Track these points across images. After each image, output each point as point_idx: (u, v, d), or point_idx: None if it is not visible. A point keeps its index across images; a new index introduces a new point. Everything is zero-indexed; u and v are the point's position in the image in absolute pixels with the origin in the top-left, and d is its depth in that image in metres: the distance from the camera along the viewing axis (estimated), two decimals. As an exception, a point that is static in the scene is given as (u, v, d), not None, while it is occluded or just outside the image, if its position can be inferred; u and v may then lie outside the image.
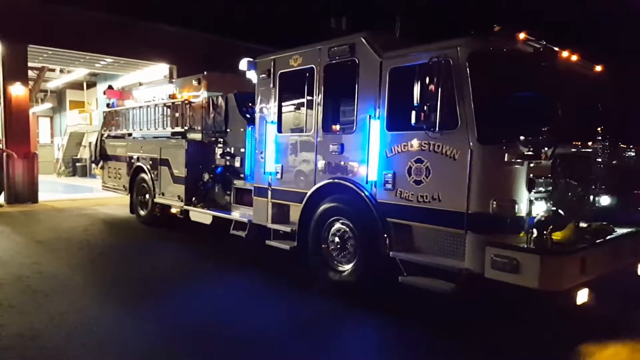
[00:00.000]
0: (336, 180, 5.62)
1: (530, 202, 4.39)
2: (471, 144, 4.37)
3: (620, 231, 5.08)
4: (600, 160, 4.91)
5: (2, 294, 5.27)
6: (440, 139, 4.60)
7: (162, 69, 16.30)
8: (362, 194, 5.30)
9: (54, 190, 16.45)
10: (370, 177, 5.26)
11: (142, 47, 14.51)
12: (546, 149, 4.36)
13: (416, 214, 4.86)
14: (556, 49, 4.50)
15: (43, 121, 33.65)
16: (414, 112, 4.57)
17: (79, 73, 21.23)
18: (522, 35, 4.36)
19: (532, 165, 4.34)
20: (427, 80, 4.48)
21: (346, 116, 5.68)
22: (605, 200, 5.45)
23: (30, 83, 24.93)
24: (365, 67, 5.31)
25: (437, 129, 4.53)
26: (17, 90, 12.97)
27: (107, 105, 11.66)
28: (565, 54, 4.92)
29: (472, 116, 4.36)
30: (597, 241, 4.52)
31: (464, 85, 4.41)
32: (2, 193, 12.63)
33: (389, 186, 5.08)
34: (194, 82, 8.77)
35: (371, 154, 5.24)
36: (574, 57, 5.11)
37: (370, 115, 5.23)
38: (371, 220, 5.22)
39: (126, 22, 13.82)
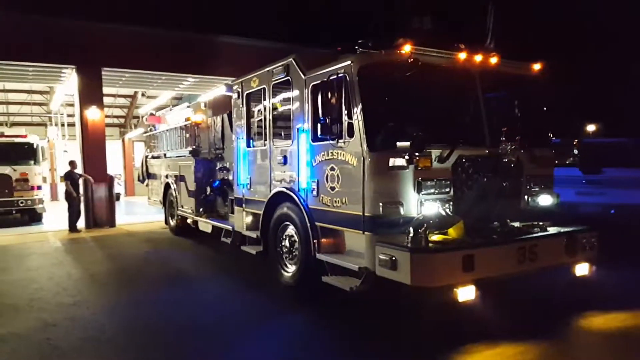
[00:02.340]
0: (281, 189, 6.27)
1: (421, 203, 4.71)
2: (363, 151, 4.81)
3: (551, 231, 5.15)
4: (505, 161, 5.00)
5: (9, 349, 4.55)
6: (344, 148, 5.08)
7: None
8: (298, 201, 5.89)
9: (140, 212, 16.33)
10: (302, 184, 5.86)
11: (216, 62, 13.74)
12: (439, 153, 4.68)
13: (333, 218, 5.36)
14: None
15: (138, 145, 38.11)
16: (319, 124, 5.13)
17: (164, 97, 21.52)
18: (407, 47, 4.69)
19: (419, 169, 4.67)
20: (329, 94, 5.01)
21: (288, 130, 6.33)
22: (539, 200, 5.53)
23: (125, 110, 28.62)
24: (296, 84, 5.95)
25: (339, 139, 5.03)
26: (93, 114, 13.00)
27: (150, 129, 13.39)
28: (462, 56, 5.10)
29: (362, 126, 4.80)
30: (494, 240, 4.67)
31: (356, 98, 4.87)
32: (79, 218, 12.58)
33: (315, 193, 5.63)
34: (202, 106, 9.94)
35: (301, 164, 5.84)
36: (477, 58, 5.25)
37: (298, 128, 5.84)
38: (305, 225, 5.78)
39: (198, 38, 13.65)
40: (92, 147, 13.20)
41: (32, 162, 14.03)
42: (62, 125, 22.99)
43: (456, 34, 5.51)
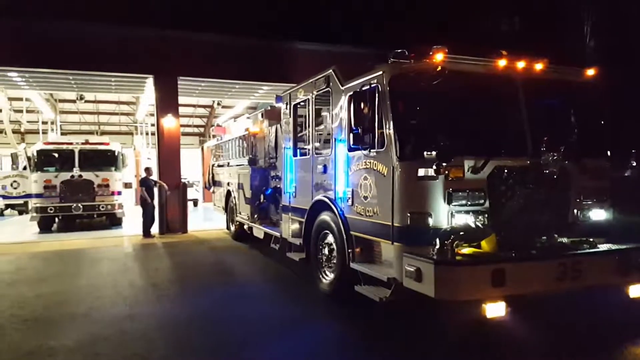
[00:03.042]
0: (321, 198, 6.40)
1: (452, 214, 4.60)
2: (393, 161, 4.80)
3: (602, 248, 4.81)
4: (547, 172, 4.72)
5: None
6: (376, 158, 5.10)
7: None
8: (335, 210, 5.99)
9: (214, 218, 15.49)
10: (339, 193, 5.94)
11: (291, 70, 12.89)
12: (470, 162, 4.56)
13: (366, 227, 5.38)
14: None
15: (214, 154, 40.34)
16: (351, 134, 5.21)
17: (240, 106, 21.73)
18: (439, 56, 4.63)
19: (450, 179, 4.57)
20: (362, 104, 5.08)
21: (328, 140, 6.45)
22: (592, 215, 5.18)
23: (204, 120, 30.21)
24: (335, 95, 6.08)
25: (372, 149, 5.07)
26: (169, 123, 13.24)
27: (217, 139, 14.18)
28: (502, 63, 4.92)
29: (393, 135, 4.80)
30: (531, 255, 4.44)
31: (387, 107, 4.88)
32: (153, 224, 12.81)
33: (350, 202, 5.70)
34: (260, 117, 10.36)
35: (338, 173, 5.93)
36: (520, 64, 5.03)
37: (336, 138, 5.95)
38: (341, 233, 5.86)
39: (272, 45, 13.56)
40: (168, 154, 13.48)
41: (113, 168, 14.67)
42: (147, 134, 24.69)
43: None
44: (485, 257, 4.34)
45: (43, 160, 14.20)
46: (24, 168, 14.91)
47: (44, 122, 23.37)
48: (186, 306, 6.29)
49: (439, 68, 4.48)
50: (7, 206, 18.67)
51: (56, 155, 14.40)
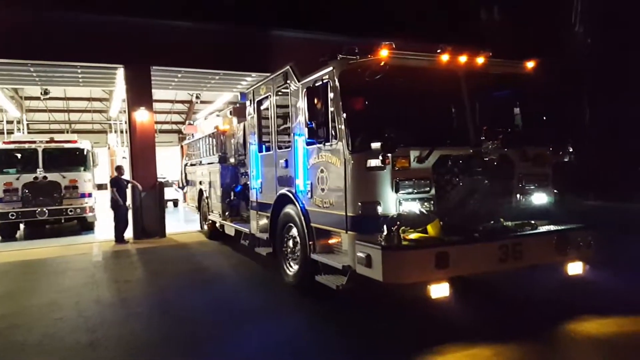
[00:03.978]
0: (284, 192, 6.65)
1: (400, 202, 4.90)
2: (345, 153, 5.08)
3: (542, 229, 5.17)
4: (488, 160, 5.05)
5: None
6: (330, 151, 5.38)
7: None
8: (297, 203, 6.24)
9: (195, 219, 13.97)
10: (300, 187, 6.20)
11: (276, 58, 10.78)
12: (416, 152, 4.87)
13: (323, 218, 5.66)
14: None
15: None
16: (307, 128, 5.47)
17: (221, 101, 20.86)
18: (384, 52, 4.91)
19: (397, 169, 4.86)
20: (316, 99, 5.36)
21: (289, 135, 6.70)
22: (535, 199, 5.54)
23: (183, 116, 29.34)
24: (293, 91, 6.32)
25: (327, 142, 5.34)
26: (142, 116, 12.30)
27: (188, 137, 14.30)
28: (444, 57, 5.23)
29: (343, 128, 5.08)
30: (473, 238, 4.77)
31: (338, 102, 5.15)
32: (127, 228, 11.95)
33: (309, 194, 5.96)
34: (229, 114, 10.55)
35: (298, 167, 6.19)
36: (462, 58, 5.35)
37: (295, 133, 6.21)
38: (302, 226, 6.12)
39: (255, 32, 12.81)
40: (142, 151, 12.47)
41: (82, 168, 13.74)
42: (121, 132, 23.88)
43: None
44: (430, 241, 4.66)
45: (3, 161, 13.17)
46: None
47: (9, 122, 22.66)
48: (161, 326, 5.40)
49: (382, 63, 4.76)
50: None
51: (18, 155, 13.42)
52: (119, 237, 11.66)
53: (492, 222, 5.16)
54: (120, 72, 13.01)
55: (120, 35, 11.82)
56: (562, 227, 5.17)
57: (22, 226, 14.05)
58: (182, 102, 27.33)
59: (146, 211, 12.33)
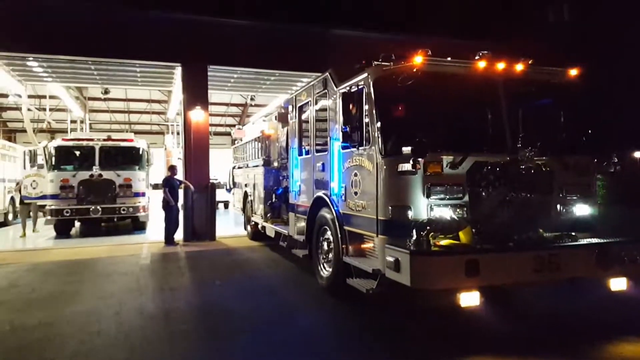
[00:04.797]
0: (320, 195, 6.78)
1: (431, 207, 4.89)
2: (377, 157, 5.14)
3: (582, 241, 5.00)
4: (524, 168, 4.93)
5: None
6: (363, 155, 5.46)
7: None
8: (331, 206, 6.35)
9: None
10: (335, 190, 6.31)
11: (334, 58, 10.30)
12: (449, 158, 4.86)
13: (356, 222, 5.73)
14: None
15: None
16: (341, 132, 5.58)
17: (274, 104, 18.57)
18: (418, 59, 4.93)
19: (429, 174, 4.86)
20: (351, 104, 5.46)
21: (326, 139, 6.82)
22: (576, 210, 5.36)
23: (237, 119, 29.80)
24: (330, 97, 6.46)
25: (361, 146, 5.43)
26: (197, 116, 12.20)
27: (234, 142, 14.78)
28: (482, 64, 5.17)
29: (377, 133, 5.14)
30: (504, 247, 4.68)
31: (372, 107, 5.23)
32: (177, 230, 11.74)
33: (344, 198, 6.06)
34: (274, 119, 10.84)
35: (335, 171, 6.31)
36: (500, 65, 5.26)
37: (332, 137, 6.33)
38: (336, 229, 6.22)
39: (314, 31, 12.58)
40: (196, 151, 12.33)
41: (137, 167, 13.73)
42: (178, 133, 24.00)
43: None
44: (460, 248, 4.61)
45: (61, 158, 13.22)
46: (40, 167, 13.62)
47: (73, 121, 23.78)
48: (207, 351, 4.74)
49: (415, 70, 4.79)
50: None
51: (76, 152, 13.53)
52: (169, 239, 11.50)
53: (529, 232, 5.04)
54: (178, 72, 13.12)
55: (179, 34, 11.92)
56: (605, 240, 4.95)
57: (77, 223, 14.14)
58: (237, 105, 27.96)
59: (197, 212, 12.16)
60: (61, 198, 12.77)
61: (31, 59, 12.41)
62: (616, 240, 4.98)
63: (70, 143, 13.70)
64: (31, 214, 13.89)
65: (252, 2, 12.27)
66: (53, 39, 11.20)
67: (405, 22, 12.64)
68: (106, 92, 18.13)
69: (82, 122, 24.50)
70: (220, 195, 18.77)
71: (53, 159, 13.14)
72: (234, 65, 13.08)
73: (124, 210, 13.21)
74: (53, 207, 12.72)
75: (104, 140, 13.69)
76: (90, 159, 13.25)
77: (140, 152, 14.09)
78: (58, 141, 13.80)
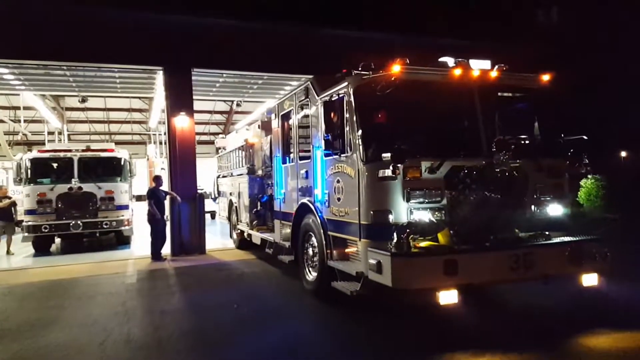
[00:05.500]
0: (304, 201, 6.96)
1: (411, 211, 5.11)
2: (359, 163, 5.36)
3: (555, 240, 5.27)
4: (499, 171, 5.19)
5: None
6: (345, 162, 5.67)
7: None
8: (316, 213, 6.54)
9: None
10: (319, 197, 6.50)
11: (326, 59, 9.44)
12: (427, 163, 5.10)
13: (340, 227, 5.92)
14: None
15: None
16: (324, 140, 5.79)
17: (259, 111, 18.67)
18: (396, 67, 5.16)
19: (408, 179, 5.09)
20: (332, 113, 5.68)
21: (309, 146, 7.03)
22: (550, 210, 5.64)
23: (221, 127, 29.38)
24: (312, 105, 6.67)
25: (342, 153, 5.65)
26: (182, 122, 11.59)
27: (217, 150, 14.91)
28: (457, 72, 5.44)
29: (358, 140, 5.36)
30: (483, 247, 4.92)
31: (352, 115, 5.45)
32: (164, 244, 11.17)
33: (327, 204, 6.25)
34: (257, 128, 11.02)
35: (317, 177, 6.51)
36: (475, 72, 5.55)
37: (314, 145, 6.54)
38: (320, 234, 6.41)
39: (303, 31, 12.09)
40: (181, 159, 11.72)
41: (119, 178, 13.14)
42: (161, 143, 24.17)
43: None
44: (439, 249, 4.84)
45: (37, 171, 12.61)
46: (20, 180, 12.79)
47: (50, 133, 23.34)
48: None
49: (393, 78, 5.03)
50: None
51: (53, 164, 12.88)
52: (156, 254, 10.90)
53: (505, 232, 5.30)
54: (159, 77, 12.57)
55: (160, 35, 11.25)
56: (577, 239, 5.24)
57: (58, 239, 13.45)
58: (221, 112, 27.95)
59: (185, 225, 11.54)
60: (39, 213, 12.14)
61: (2, 67, 11.67)
62: (587, 238, 5.27)
63: (47, 155, 13.07)
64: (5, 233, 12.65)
65: (237, 1, 11.48)
66: (24, 43, 10.43)
67: (401, 22, 12.26)
68: (83, 100, 17.21)
69: (60, 133, 24.06)
70: (207, 205, 18.55)
71: (29, 171, 12.54)
72: (220, 67, 12.45)
73: (106, 224, 12.57)
74: (30, 223, 12.03)
75: (83, 150, 13.06)
76: (69, 171, 12.62)
77: (122, 163, 13.48)
78: (34, 153, 13.14)
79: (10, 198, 12.71)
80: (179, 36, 11.41)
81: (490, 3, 13.37)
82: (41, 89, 15.33)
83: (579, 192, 10.77)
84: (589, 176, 10.24)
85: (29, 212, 12.20)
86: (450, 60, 5.64)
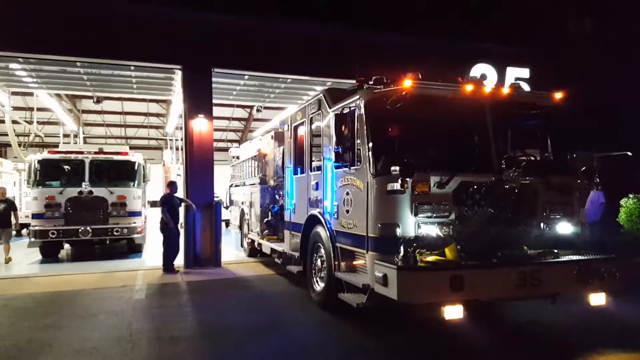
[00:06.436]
0: (314, 213, 7.09)
1: (418, 225, 5.20)
2: (368, 176, 5.47)
3: (563, 258, 5.31)
4: (509, 187, 5.25)
5: None
6: (354, 174, 5.78)
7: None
8: (325, 224, 6.65)
9: None
10: (328, 208, 6.62)
11: (345, 63, 9.74)
12: (436, 178, 5.19)
13: (347, 239, 6.03)
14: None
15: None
16: (334, 152, 5.93)
17: (278, 119, 18.06)
18: (407, 82, 5.29)
19: (417, 193, 5.19)
20: (343, 125, 5.81)
21: (320, 158, 7.16)
22: (559, 228, 5.68)
23: (239, 134, 28.94)
24: (324, 117, 6.81)
25: (352, 166, 5.77)
26: (200, 125, 11.09)
27: (233, 160, 15.15)
28: (469, 88, 5.54)
29: (368, 153, 5.48)
30: (490, 263, 4.98)
31: (363, 128, 5.58)
32: (177, 255, 10.52)
33: (336, 215, 6.36)
34: (270, 138, 11.20)
35: (328, 189, 6.63)
36: (487, 89, 5.65)
37: (325, 157, 6.67)
38: (328, 245, 6.51)
39: (328, 32, 11.70)
40: (198, 165, 11.17)
41: (132, 183, 12.68)
42: (177, 149, 23.77)
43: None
44: (446, 264, 4.90)
45: (46, 173, 12.15)
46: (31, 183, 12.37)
47: (66, 135, 23.17)
48: None
49: (404, 93, 5.15)
50: (23, 226, 14.56)
51: (64, 167, 12.32)
52: (168, 266, 10.25)
53: (513, 249, 5.35)
54: (177, 78, 12.16)
55: (179, 32, 10.77)
56: (585, 257, 5.26)
57: (67, 245, 12.99)
58: (239, 119, 27.65)
59: (200, 235, 10.91)
60: (46, 217, 11.66)
61: (15, 62, 11.45)
62: (596, 258, 5.29)
63: (57, 156, 12.45)
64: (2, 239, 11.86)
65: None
66: (37, 37, 10.00)
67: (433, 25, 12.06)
68: (98, 101, 16.55)
69: (75, 136, 23.94)
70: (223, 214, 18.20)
71: (38, 173, 12.11)
72: (241, 68, 11.93)
73: (117, 231, 12.04)
74: (37, 227, 11.56)
75: (95, 153, 12.61)
76: (80, 174, 12.13)
77: (136, 167, 12.95)
78: (43, 154, 12.57)
79: (6, 201, 11.91)
80: (199, 34, 10.91)
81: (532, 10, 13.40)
82: (55, 87, 14.95)
83: (618, 213, 10.40)
84: (630, 195, 10.02)
85: (36, 216, 11.76)
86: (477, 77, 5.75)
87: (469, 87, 5.60)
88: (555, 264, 5.15)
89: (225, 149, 28.84)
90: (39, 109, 20.37)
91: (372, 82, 5.76)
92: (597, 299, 5.18)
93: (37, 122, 21.36)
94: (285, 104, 15.89)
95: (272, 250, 9.72)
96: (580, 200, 5.84)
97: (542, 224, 5.60)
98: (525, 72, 12.65)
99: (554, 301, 5.30)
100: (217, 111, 13.07)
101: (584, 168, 5.75)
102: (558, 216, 5.65)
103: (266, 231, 10.53)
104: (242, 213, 12.88)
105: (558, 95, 5.90)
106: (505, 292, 4.95)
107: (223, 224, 17.93)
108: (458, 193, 5.29)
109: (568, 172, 5.81)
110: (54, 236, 11.59)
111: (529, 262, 5.11)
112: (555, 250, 5.37)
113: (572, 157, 5.84)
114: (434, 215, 5.22)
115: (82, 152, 12.60)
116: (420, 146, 5.48)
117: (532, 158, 5.95)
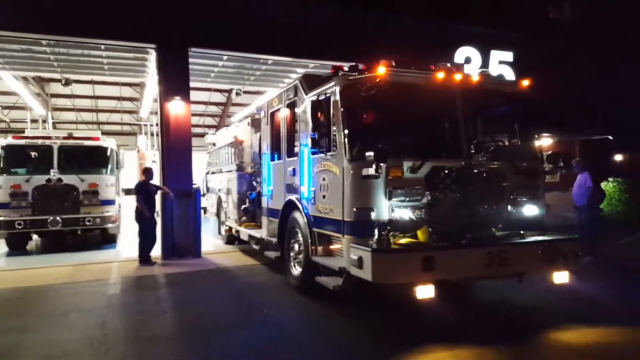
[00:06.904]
0: (291, 198, 7.23)
1: (392, 209, 5.40)
2: (344, 162, 5.63)
3: (529, 239, 5.60)
4: (477, 172, 5.50)
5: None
6: (331, 160, 5.93)
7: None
8: (302, 209, 6.81)
9: None
10: (305, 194, 6.77)
11: (330, 44, 10.96)
12: (409, 163, 5.39)
13: (324, 223, 6.20)
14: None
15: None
16: (310, 138, 6.06)
17: (256, 104, 17.48)
18: (382, 69, 5.45)
19: (390, 178, 5.38)
20: (319, 112, 5.95)
21: (296, 144, 7.29)
22: (526, 210, 5.96)
23: (217, 119, 28.10)
24: (300, 104, 6.93)
25: (328, 152, 5.92)
26: (177, 108, 10.55)
27: (210, 147, 15.12)
28: (440, 75, 5.74)
29: (343, 139, 5.63)
30: (457, 244, 5.24)
31: (338, 114, 5.72)
32: (154, 245, 10.02)
33: (313, 201, 6.52)
34: (247, 125, 11.25)
35: (304, 175, 6.77)
36: (457, 76, 5.86)
37: (301, 143, 6.80)
38: (305, 230, 6.67)
39: (312, 11, 11.35)
40: (175, 150, 10.66)
41: (104, 170, 12.01)
42: (152, 134, 23.03)
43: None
44: (417, 245, 5.13)
45: (11, 160, 11.47)
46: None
47: (34, 120, 22.13)
48: None
49: (378, 80, 5.31)
50: None
51: (30, 153, 11.69)
52: (144, 257, 9.80)
53: (482, 231, 5.61)
54: (152, 59, 11.50)
55: (153, 9, 10.21)
56: (549, 238, 5.57)
57: (35, 236, 12.41)
58: (216, 104, 27.06)
59: (178, 224, 10.40)
60: (12, 207, 11.02)
61: None
62: (560, 238, 5.60)
63: (23, 142, 11.78)
64: None
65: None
66: None
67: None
68: (67, 83, 15.46)
69: (44, 121, 22.75)
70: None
71: (2, 160, 11.38)
72: (221, 48, 11.37)
73: (89, 221, 11.42)
74: (2, 218, 10.92)
75: (64, 138, 11.94)
76: (48, 161, 11.46)
77: (108, 153, 12.29)
78: (8, 139, 11.85)
79: None
80: (175, 10, 10.36)
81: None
82: (20, 68, 13.88)
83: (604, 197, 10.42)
84: (610, 179, 10.18)
85: (1, 205, 11.06)
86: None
87: (440, 75, 5.78)
88: (521, 244, 5.44)
89: (202, 135, 28.05)
90: (3, 93, 19.53)
91: (347, 69, 5.92)
92: (561, 277, 5.49)
93: (2, 106, 20.55)
94: (265, 87, 15.62)
95: (250, 236, 9.85)
96: (543, 183, 6.09)
97: (509, 207, 5.86)
98: (509, 56, 12.89)
99: (521, 280, 5.59)
100: (194, 95, 12.48)
101: (549, 152, 6.02)
102: (525, 199, 5.92)
103: (244, 218, 10.64)
104: (220, 200, 12.94)
105: (525, 83, 6.14)
106: (475, 272, 5.21)
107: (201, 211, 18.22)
108: (430, 178, 5.50)
109: (534, 157, 6.07)
110: (20, 227, 11.01)
111: (497, 243, 5.39)
112: (522, 232, 5.66)
113: (539, 142, 6.10)
114: (407, 199, 5.42)
115: (50, 138, 11.99)
116: (394, 132, 5.67)
117: (500, 143, 6.20)
